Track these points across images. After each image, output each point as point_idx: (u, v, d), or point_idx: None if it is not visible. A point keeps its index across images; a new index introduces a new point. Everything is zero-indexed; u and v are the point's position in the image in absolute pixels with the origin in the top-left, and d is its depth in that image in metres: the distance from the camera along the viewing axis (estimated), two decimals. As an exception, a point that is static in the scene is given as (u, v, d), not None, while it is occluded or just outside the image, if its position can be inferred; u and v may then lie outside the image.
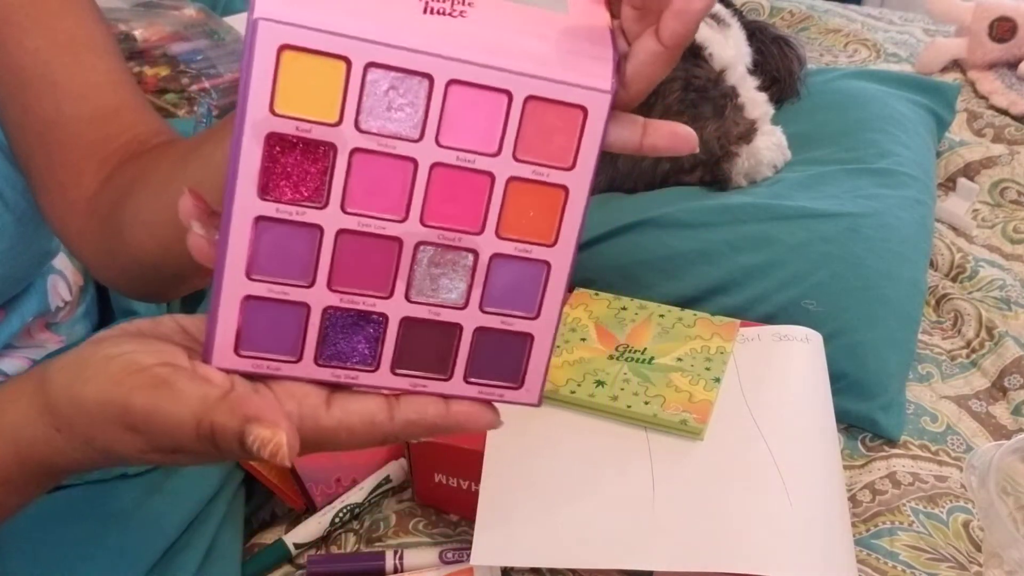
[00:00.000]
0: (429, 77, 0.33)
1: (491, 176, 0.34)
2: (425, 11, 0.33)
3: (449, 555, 0.65)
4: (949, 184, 1.08)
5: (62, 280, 0.67)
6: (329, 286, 0.35)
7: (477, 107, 0.33)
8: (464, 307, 0.36)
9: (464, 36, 0.33)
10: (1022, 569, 0.59)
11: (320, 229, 0.34)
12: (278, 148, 0.33)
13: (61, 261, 0.68)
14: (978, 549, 0.67)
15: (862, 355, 0.78)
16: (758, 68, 1.01)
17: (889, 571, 0.66)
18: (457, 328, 0.36)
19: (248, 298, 0.35)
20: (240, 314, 0.35)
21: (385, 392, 0.37)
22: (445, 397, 0.37)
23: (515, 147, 0.34)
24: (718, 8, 1.00)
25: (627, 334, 0.74)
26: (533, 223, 0.35)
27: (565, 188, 0.35)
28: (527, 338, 0.37)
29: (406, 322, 0.36)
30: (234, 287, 0.34)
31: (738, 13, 1.04)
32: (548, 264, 0.36)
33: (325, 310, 0.35)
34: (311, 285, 0.35)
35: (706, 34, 0.93)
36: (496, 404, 0.38)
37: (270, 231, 0.34)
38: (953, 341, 0.88)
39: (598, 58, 0.34)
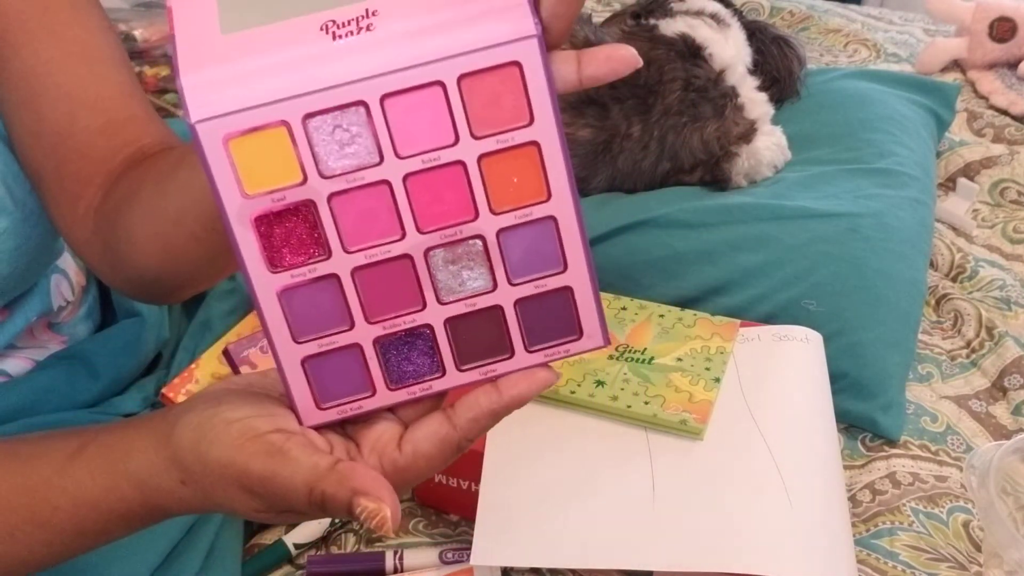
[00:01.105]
0: (363, 103, 0.34)
1: (461, 163, 0.35)
2: (334, 39, 0.33)
3: (449, 555, 0.65)
4: (949, 184, 1.08)
5: (65, 280, 0.67)
6: (367, 320, 0.37)
7: (418, 108, 0.34)
8: (494, 289, 0.37)
9: (377, 48, 0.33)
10: (1022, 569, 0.59)
11: (336, 277, 0.36)
12: (266, 225, 0.35)
13: (64, 260, 0.68)
14: (978, 549, 0.67)
15: (862, 355, 0.78)
16: (758, 68, 1.01)
17: (889, 571, 0.66)
18: (498, 309, 0.38)
19: (306, 360, 0.37)
20: (305, 375, 0.37)
21: (459, 390, 0.38)
22: (498, 378, 0.38)
23: (470, 128, 0.34)
24: (718, 8, 1.00)
25: (627, 334, 0.74)
26: (520, 187, 0.36)
27: (535, 143, 0.35)
28: (567, 291, 0.38)
29: (450, 323, 0.37)
30: (290, 356, 0.37)
31: (738, 13, 1.04)
32: (554, 218, 0.36)
33: (375, 342, 0.37)
34: (352, 327, 0.37)
35: (706, 34, 0.93)
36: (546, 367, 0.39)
37: (295, 297, 0.36)
38: (953, 341, 0.88)
39: (512, 7, 0.34)
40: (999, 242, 1.00)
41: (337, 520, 0.69)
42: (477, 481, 0.64)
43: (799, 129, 0.99)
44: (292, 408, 0.38)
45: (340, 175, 0.34)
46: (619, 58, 0.36)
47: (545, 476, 0.64)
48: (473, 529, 0.60)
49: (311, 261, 0.36)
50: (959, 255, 0.96)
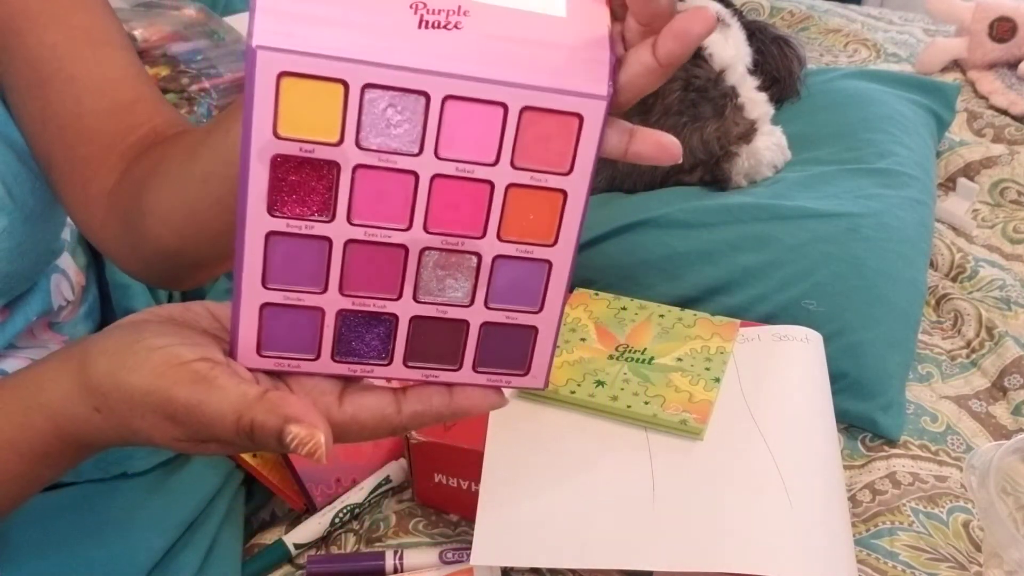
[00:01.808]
0: (425, 95, 0.34)
1: (490, 184, 0.36)
2: (420, 25, 0.33)
3: (449, 555, 0.65)
4: (949, 184, 1.08)
5: (65, 279, 0.67)
6: (341, 291, 0.37)
7: (474, 120, 0.34)
8: (470, 305, 0.38)
9: (459, 49, 0.33)
10: (1022, 569, 0.59)
11: (329, 241, 0.36)
12: (283, 168, 0.34)
13: (64, 260, 0.68)
14: (978, 549, 0.67)
15: (862, 355, 0.78)
16: (758, 68, 1.01)
17: (889, 571, 0.66)
18: (464, 324, 0.38)
19: (265, 305, 0.37)
20: (259, 320, 0.37)
21: (397, 384, 0.39)
22: (454, 385, 0.39)
23: (513, 155, 0.35)
24: (718, 8, 1.00)
25: (627, 334, 0.74)
26: (533, 225, 0.37)
27: (563, 192, 0.36)
28: (531, 330, 0.39)
29: (415, 320, 0.38)
30: (252, 296, 0.36)
31: (738, 13, 1.04)
32: (549, 263, 0.37)
33: (338, 313, 0.37)
34: (324, 291, 0.37)
35: (706, 34, 0.93)
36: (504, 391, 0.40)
37: (281, 244, 0.36)
38: (953, 341, 0.88)
39: (595, 61, 0.34)
40: (999, 242, 1.00)
41: (337, 520, 0.69)
42: (477, 481, 0.64)
43: (799, 129, 0.99)
44: (231, 344, 0.37)
45: (375, 151, 0.34)
46: (665, 147, 0.37)
47: (545, 476, 0.64)
48: (473, 529, 0.60)
49: (312, 218, 0.35)
50: (959, 255, 0.96)
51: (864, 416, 0.77)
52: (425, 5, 0.33)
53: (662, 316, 0.76)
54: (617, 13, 0.36)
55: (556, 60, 0.34)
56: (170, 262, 0.55)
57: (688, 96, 0.89)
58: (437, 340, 0.38)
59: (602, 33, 0.35)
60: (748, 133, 0.92)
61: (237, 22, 1.18)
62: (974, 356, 0.86)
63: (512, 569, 0.63)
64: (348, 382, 0.39)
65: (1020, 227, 1.01)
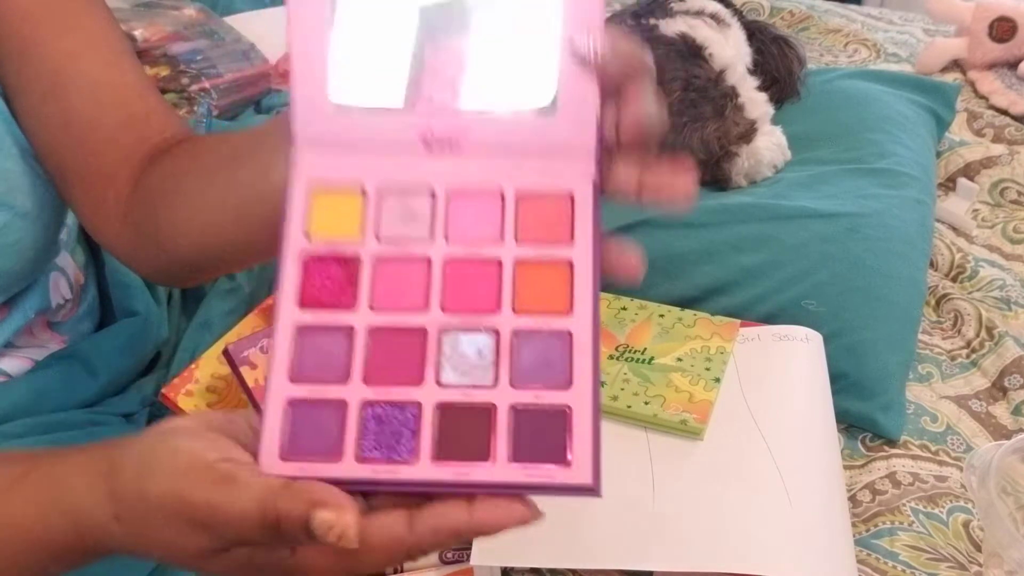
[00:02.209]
0: (433, 194, 0.39)
1: (499, 262, 0.39)
2: (428, 149, 0.39)
3: (449, 555, 0.65)
4: (949, 184, 1.08)
5: (63, 278, 0.67)
6: (364, 381, 0.37)
7: (476, 207, 0.39)
8: (494, 385, 0.37)
9: (461, 161, 0.39)
10: (1022, 569, 0.59)
11: (352, 329, 0.38)
12: (312, 265, 0.39)
13: (63, 259, 0.68)
14: (978, 549, 0.67)
15: (862, 355, 0.78)
16: (758, 68, 1.01)
17: (889, 571, 0.66)
18: (491, 408, 0.37)
19: (292, 403, 0.37)
20: (284, 419, 0.37)
21: (424, 487, 0.36)
22: (489, 486, 0.36)
23: (516, 235, 0.39)
24: (718, 8, 1.00)
25: (627, 334, 0.74)
26: (546, 296, 0.38)
27: (569, 261, 0.38)
28: (564, 411, 0.37)
29: (440, 408, 0.37)
30: (279, 392, 0.37)
31: (738, 13, 1.04)
32: (569, 333, 0.37)
33: (362, 405, 0.37)
34: (347, 381, 0.37)
35: (706, 34, 0.93)
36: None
37: (309, 337, 0.38)
38: (953, 341, 0.88)
39: (582, 149, 0.39)
40: (999, 242, 1.00)
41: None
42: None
43: (799, 129, 0.99)
44: (256, 449, 0.37)
45: (393, 244, 0.39)
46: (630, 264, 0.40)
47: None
48: (473, 529, 0.60)
49: (337, 309, 0.38)
50: (959, 255, 0.96)
51: (864, 416, 0.77)
52: (431, 131, 0.39)
53: (662, 316, 0.76)
54: (609, 88, 0.39)
55: (548, 156, 0.39)
56: (184, 269, 0.57)
57: (688, 96, 0.90)
58: (465, 430, 0.37)
59: (590, 119, 0.39)
60: (748, 133, 0.92)
61: (237, 22, 1.18)
62: (974, 356, 0.86)
63: (512, 569, 0.63)
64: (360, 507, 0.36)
65: (1020, 227, 1.01)
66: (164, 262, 0.56)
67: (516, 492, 0.37)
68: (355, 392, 0.37)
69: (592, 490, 0.38)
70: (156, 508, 0.36)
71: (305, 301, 0.38)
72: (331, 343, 0.38)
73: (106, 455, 0.39)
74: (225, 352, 0.65)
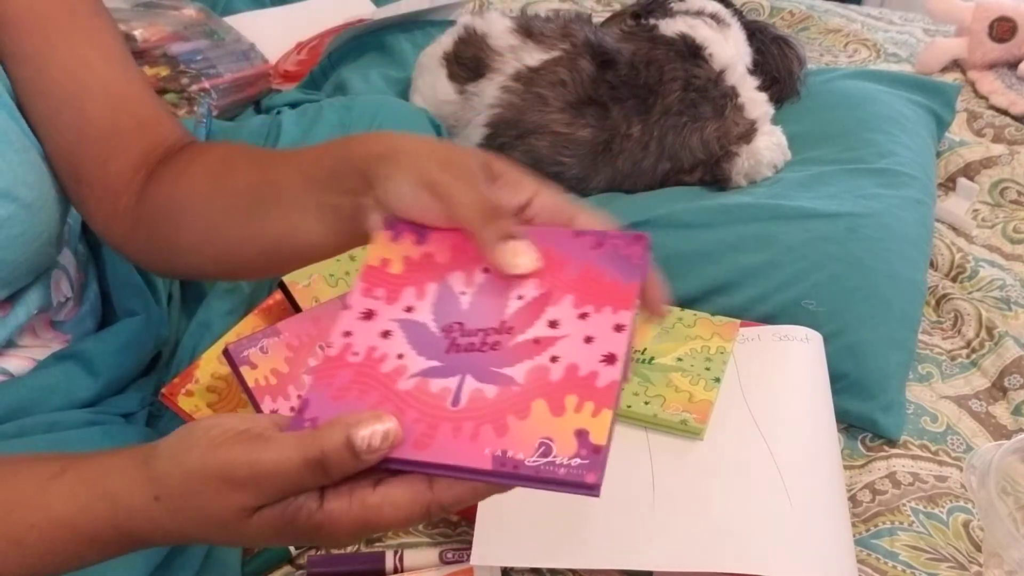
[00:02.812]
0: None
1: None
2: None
3: (449, 555, 0.65)
4: (949, 184, 1.08)
5: (64, 276, 0.68)
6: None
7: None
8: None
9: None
10: (1022, 569, 0.59)
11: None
12: None
13: (65, 256, 0.68)
14: (978, 549, 0.67)
15: (862, 355, 0.78)
16: (758, 68, 1.01)
17: (889, 571, 0.66)
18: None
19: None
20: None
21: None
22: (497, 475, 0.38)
23: None
24: (718, 8, 1.00)
25: (627, 334, 0.74)
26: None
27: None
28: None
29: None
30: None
31: (738, 13, 1.04)
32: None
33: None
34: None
35: (706, 34, 0.93)
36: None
37: None
38: (953, 341, 0.88)
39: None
40: (999, 242, 1.00)
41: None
42: (477, 481, 0.64)
43: (799, 129, 0.99)
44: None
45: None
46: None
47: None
48: (473, 529, 0.60)
49: None
50: (959, 255, 0.96)
51: (864, 416, 0.77)
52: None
53: (662, 316, 0.76)
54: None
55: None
56: (194, 273, 0.63)
57: (688, 96, 0.90)
58: None
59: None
60: (748, 133, 0.92)
61: (237, 22, 1.18)
62: (974, 356, 0.86)
63: (512, 569, 0.63)
64: (383, 474, 0.39)
65: (1020, 227, 1.01)
66: (175, 266, 0.60)
67: (526, 483, 0.38)
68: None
69: (592, 489, 0.37)
70: (195, 477, 0.38)
71: None
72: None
73: (141, 450, 0.41)
74: (225, 352, 0.65)
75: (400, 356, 0.42)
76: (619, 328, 0.41)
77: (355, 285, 0.45)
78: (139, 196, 0.57)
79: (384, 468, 0.38)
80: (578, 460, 0.38)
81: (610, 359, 0.40)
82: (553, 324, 0.42)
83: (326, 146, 0.51)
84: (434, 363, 0.41)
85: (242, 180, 0.54)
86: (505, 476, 0.37)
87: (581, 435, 0.38)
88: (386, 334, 0.43)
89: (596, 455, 0.38)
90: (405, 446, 0.38)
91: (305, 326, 0.69)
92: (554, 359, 0.41)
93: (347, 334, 0.43)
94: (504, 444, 0.38)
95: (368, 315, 0.44)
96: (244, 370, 0.65)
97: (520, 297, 0.43)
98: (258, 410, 0.65)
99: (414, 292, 0.44)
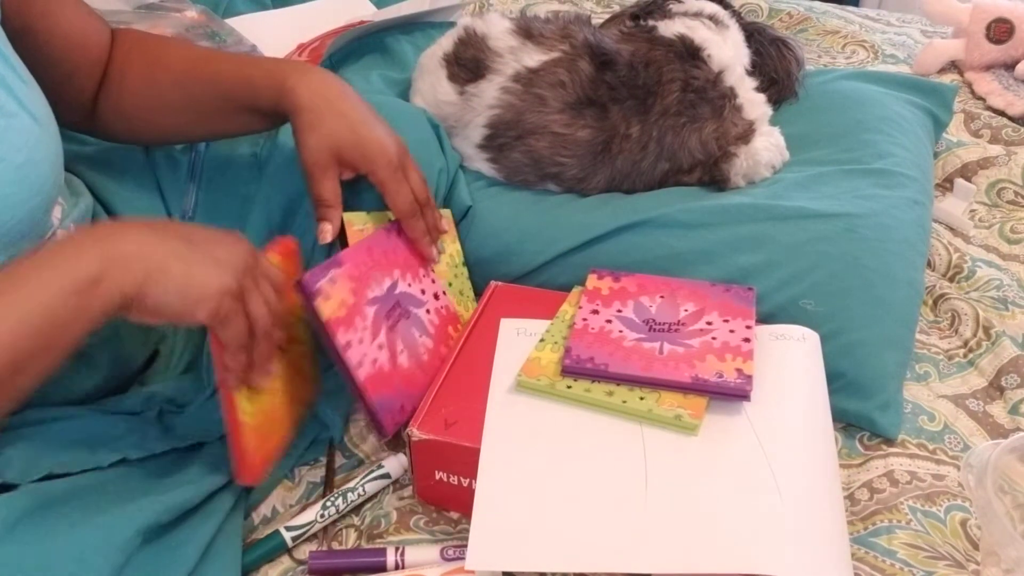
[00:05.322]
0: None
1: None
2: None
3: (450, 552, 0.66)
4: (946, 184, 1.08)
5: None
6: None
7: None
8: None
9: None
10: (1019, 567, 0.59)
11: None
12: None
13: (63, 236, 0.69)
14: (975, 547, 0.68)
15: (860, 355, 0.78)
16: (756, 69, 1.01)
17: (887, 569, 0.66)
18: None
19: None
20: None
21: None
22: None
23: None
24: (716, 9, 1.01)
25: (626, 333, 0.75)
26: None
27: None
28: None
29: None
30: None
31: (736, 14, 1.04)
32: None
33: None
34: None
35: (704, 35, 0.94)
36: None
37: None
38: (950, 341, 0.88)
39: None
40: (996, 242, 1.00)
41: (329, 503, 0.69)
42: (476, 478, 0.64)
43: (797, 130, 0.99)
44: None
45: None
46: None
47: (539, 476, 0.64)
48: (474, 527, 0.60)
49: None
50: (956, 255, 0.96)
51: (862, 415, 0.77)
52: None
53: (661, 315, 0.77)
54: None
55: None
56: (147, 144, 0.83)
57: (687, 97, 0.90)
58: None
59: None
60: (746, 134, 0.92)
61: (239, 24, 1.18)
62: (971, 356, 0.86)
63: (510, 574, 0.63)
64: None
65: (1017, 227, 1.02)
66: (128, 139, 0.80)
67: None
68: None
69: (747, 395, 0.67)
70: None
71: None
72: None
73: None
74: (299, 284, 0.65)
75: (620, 331, 0.73)
76: (748, 327, 0.73)
77: (582, 299, 0.77)
78: (105, 82, 0.76)
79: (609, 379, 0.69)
80: (740, 380, 0.68)
81: (747, 340, 0.71)
82: (709, 323, 0.74)
83: (252, 76, 0.72)
84: (643, 335, 0.73)
85: (170, 96, 0.75)
86: (697, 387, 0.67)
87: (739, 371, 0.68)
88: (608, 321, 0.74)
89: (748, 378, 0.68)
90: (633, 369, 0.68)
91: (361, 256, 0.71)
92: (714, 338, 0.72)
93: (584, 319, 0.74)
94: (695, 371, 0.68)
95: (595, 311, 0.75)
96: (319, 303, 0.65)
97: (686, 310, 0.76)
98: (330, 345, 0.67)
99: (619, 302, 0.76)
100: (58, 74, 0.71)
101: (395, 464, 0.73)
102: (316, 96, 0.69)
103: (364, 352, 0.68)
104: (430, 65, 0.97)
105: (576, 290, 0.80)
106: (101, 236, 0.55)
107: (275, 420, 0.66)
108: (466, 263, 0.86)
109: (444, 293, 0.80)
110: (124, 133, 0.79)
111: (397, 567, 0.66)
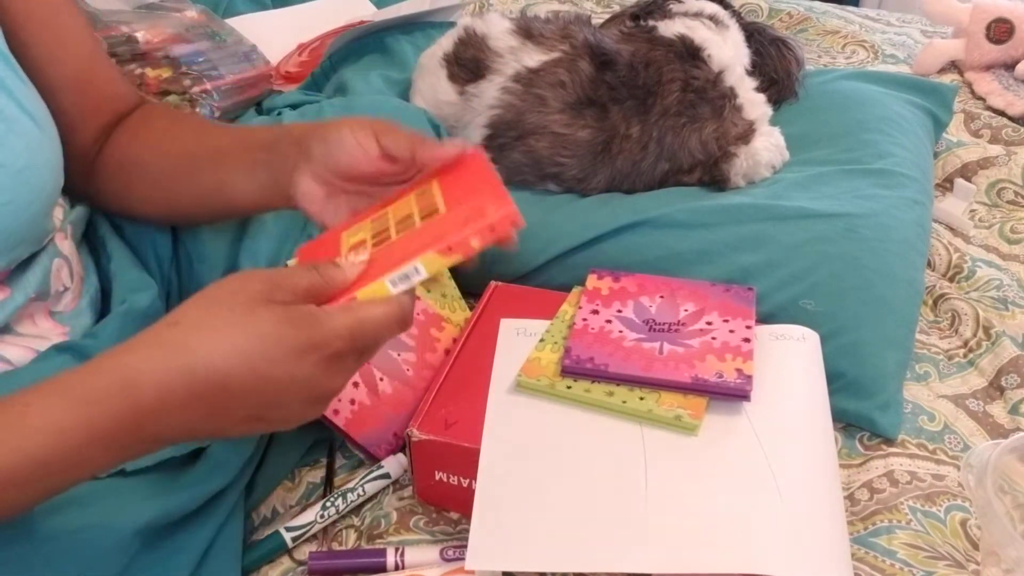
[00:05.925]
0: None
1: None
2: None
3: (450, 552, 0.66)
4: (946, 184, 1.08)
5: (66, 266, 0.68)
6: None
7: None
8: None
9: None
10: (1019, 567, 0.59)
11: None
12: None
13: (67, 247, 0.69)
14: (975, 547, 0.68)
15: (860, 355, 0.78)
16: (756, 69, 1.01)
17: (887, 569, 0.66)
18: None
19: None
20: None
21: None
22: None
23: None
24: (716, 10, 1.01)
25: (626, 333, 0.75)
26: None
27: None
28: None
29: None
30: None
31: (736, 14, 1.04)
32: None
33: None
34: None
35: (704, 35, 0.94)
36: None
37: None
38: (950, 341, 0.88)
39: None
40: (996, 242, 1.00)
41: (329, 504, 0.69)
42: (475, 478, 0.64)
43: (797, 130, 0.99)
44: None
45: None
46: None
47: (539, 477, 0.64)
48: (474, 527, 0.60)
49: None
50: (956, 255, 0.96)
51: (862, 415, 0.77)
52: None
53: (661, 315, 0.77)
54: None
55: None
56: (151, 221, 0.75)
57: (687, 97, 0.90)
58: None
59: None
60: (746, 134, 0.92)
61: (239, 24, 1.18)
62: (971, 356, 0.86)
63: (510, 574, 0.63)
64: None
65: (1017, 227, 1.02)
66: (129, 212, 0.73)
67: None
68: None
69: (747, 395, 0.67)
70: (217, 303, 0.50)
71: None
72: None
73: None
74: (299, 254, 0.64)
75: (620, 332, 0.72)
76: (748, 327, 0.73)
77: (582, 299, 0.77)
78: (99, 154, 0.70)
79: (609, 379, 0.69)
80: (740, 380, 0.67)
81: (747, 340, 0.71)
82: (709, 323, 0.73)
83: (266, 126, 0.67)
84: (642, 335, 0.72)
85: (186, 145, 0.68)
86: (696, 387, 0.67)
87: (739, 371, 0.68)
88: (608, 321, 0.74)
89: (748, 379, 0.67)
90: (633, 369, 0.68)
91: None
92: (714, 338, 0.71)
93: (584, 320, 0.74)
94: (695, 371, 0.68)
95: (594, 312, 0.75)
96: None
97: (686, 310, 0.75)
98: None
99: (619, 302, 0.76)
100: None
101: (395, 464, 0.73)
102: None
103: (338, 398, 0.68)
104: (430, 65, 0.98)
105: (576, 290, 0.80)
106: (136, 438, 0.48)
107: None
108: (464, 263, 0.85)
109: (418, 297, 0.79)
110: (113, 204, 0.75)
111: (397, 568, 0.65)
